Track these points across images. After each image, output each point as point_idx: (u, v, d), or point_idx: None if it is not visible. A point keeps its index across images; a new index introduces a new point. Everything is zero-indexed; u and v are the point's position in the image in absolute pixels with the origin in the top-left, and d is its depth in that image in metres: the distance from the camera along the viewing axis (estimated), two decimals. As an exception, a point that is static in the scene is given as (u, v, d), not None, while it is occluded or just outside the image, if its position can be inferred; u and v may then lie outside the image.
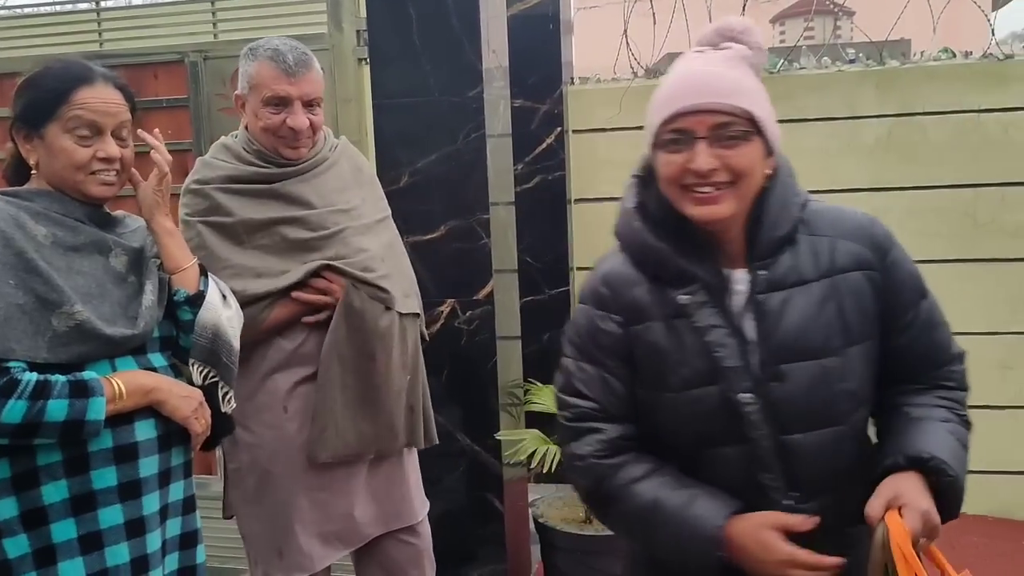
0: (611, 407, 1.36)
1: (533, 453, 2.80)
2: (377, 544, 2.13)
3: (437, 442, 2.20)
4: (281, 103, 1.93)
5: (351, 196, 2.06)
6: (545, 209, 4.07)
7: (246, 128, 2.04)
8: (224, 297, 1.72)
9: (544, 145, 4.04)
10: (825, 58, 3.98)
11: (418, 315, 2.12)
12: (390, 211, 2.17)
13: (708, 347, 1.28)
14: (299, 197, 1.99)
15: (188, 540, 1.71)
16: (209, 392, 1.68)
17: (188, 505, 1.70)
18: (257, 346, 1.97)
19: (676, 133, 1.26)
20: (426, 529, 2.21)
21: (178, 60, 2.99)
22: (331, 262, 1.95)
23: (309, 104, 1.96)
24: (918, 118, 3.77)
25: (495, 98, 2.90)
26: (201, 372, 1.66)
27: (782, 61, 3.98)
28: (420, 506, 2.18)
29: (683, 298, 1.30)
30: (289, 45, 1.95)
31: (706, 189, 1.26)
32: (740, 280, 1.31)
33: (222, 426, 1.73)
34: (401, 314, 2.03)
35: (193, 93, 2.99)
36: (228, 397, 1.71)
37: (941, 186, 3.77)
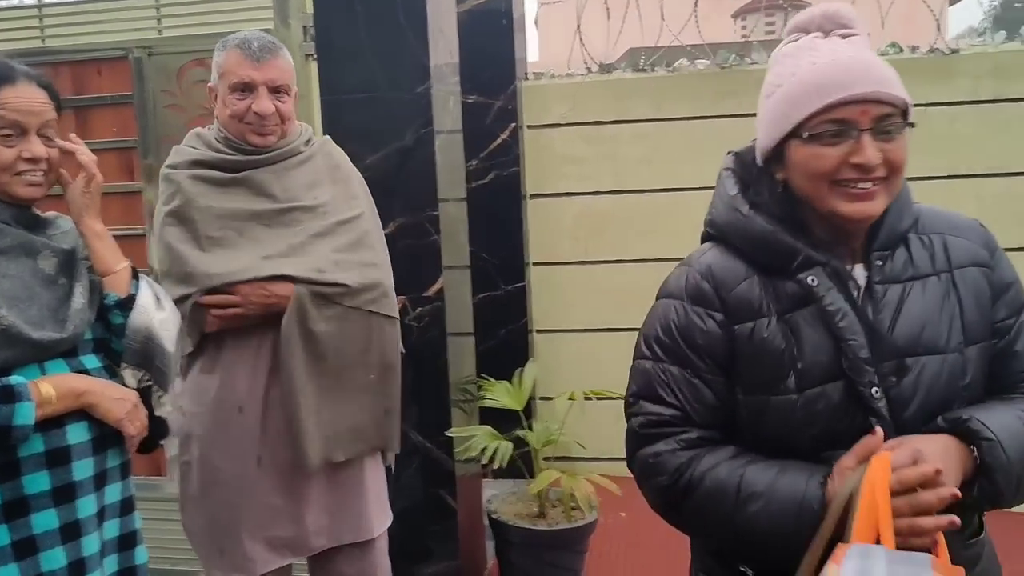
0: (695, 414, 1.26)
1: (484, 449, 2.80)
2: (330, 556, 2.10)
3: (398, 451, 2.17)
4: (246, 88, 1.93)
5: (320, 193, 2.03)
6: (500, 205, 4.08)
7: (217, 119, 2.03)
8: (158, 299, 1.70)
9: (499, 141, 4.04)
10: (776, 53, 4.02)
11: (384, 315, 2.05)
12: (365, 209, 2.12)
13: (840, 334, 1.20)
14: (263, 187, 1.97)
15: (127, 541, 1.69)
16: (145, 395, 1.66)
17: (127, 506, 1.68)
18: (211, 341, 1.96)
19: (835, 124, 1.17)
20: (383, 544, 2.17)
21: (122, 56, 2.95)
22: (280, 272, 1.92)
23: (276, 91, 1.96)
24: (867, 112, 3.81)
25: (444, 94, 2.89)
26: (135, 376, 1.64)
27: (732, 56, 4.01)
28: (378, 522, 2.14)
29: (811, 280, 1.22)
30: (257, 34, 1.97)
31: (866, 185, 1.18)
32: (858, 275, 1.25)
33: (159, 429, 1.71)
34: (354, 308, 1.99)
35: (138, 90, 2.94)
36: (163, 401, 1.69)
37: (890, 179, 3.82)
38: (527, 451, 3.17)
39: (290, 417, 1.94)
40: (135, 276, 1.69)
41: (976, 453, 1.16)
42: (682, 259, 1.37)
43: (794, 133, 1.21)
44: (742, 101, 3.88)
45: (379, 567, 2.16)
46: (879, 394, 1.19)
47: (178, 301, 1.89)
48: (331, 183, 2.07)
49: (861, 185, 1.18)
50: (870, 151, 1.16)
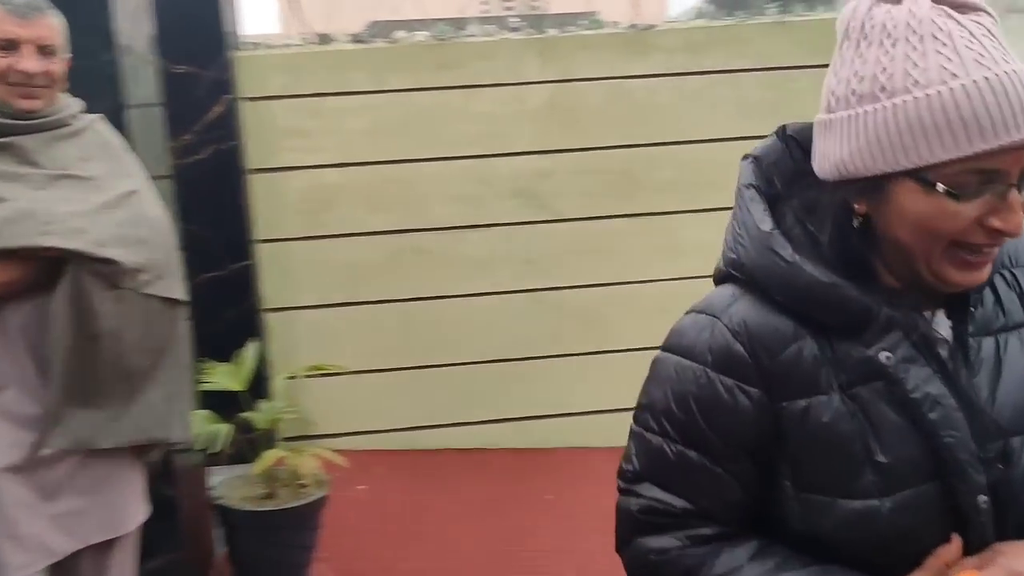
0: (718, 513, 0.97)
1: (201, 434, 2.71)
2: (72, 556, 1.94)
3: (184, 439, 2.09)
4: (9, 46, 1.80)
5: (93, 167, 1.93)
6: (220, 180, 3.91)
7: None
8: None
9: (214, 113, 3.87)
10: (491, 26, 4.15)
11: (161, 298, 1.96)
12: (142, 188, 2.01)
13: (932, 429, 0.90)
14: (28, 155, 1.85)
15: None
16: None
17: None
18: None
19: (981, 175, 0.84)
20: (133, 541, 2.07)
21: None
22: (55, 244, 1.79)
23: (44, 51, 1.84)
24: (576, 84, 4.04)
25: (137, 64, 2.72)
26: None
27: (450, 29, 4.09)
28: (131, 516, 2.04)
29: (885, 357, 0.91)
30: None
31: (991, 250, 0.89)
32: (940, 324, 0.96)
33: None
34: (132, 291, 1.88)
35: None
36: None
37: (600, 147, 4.07)
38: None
39: (47, 398, 1.81)
40: None
41: None
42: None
43: (915, 174, 0.86)
44: (459, 73, 3.98)
45: (125, 566, 2.05)
46: (987, 503, 0.90)
47: None
48: (104, 159, 1.98)
49: (986, 250, 0.89)
50: (1019, 215, 0.85)
